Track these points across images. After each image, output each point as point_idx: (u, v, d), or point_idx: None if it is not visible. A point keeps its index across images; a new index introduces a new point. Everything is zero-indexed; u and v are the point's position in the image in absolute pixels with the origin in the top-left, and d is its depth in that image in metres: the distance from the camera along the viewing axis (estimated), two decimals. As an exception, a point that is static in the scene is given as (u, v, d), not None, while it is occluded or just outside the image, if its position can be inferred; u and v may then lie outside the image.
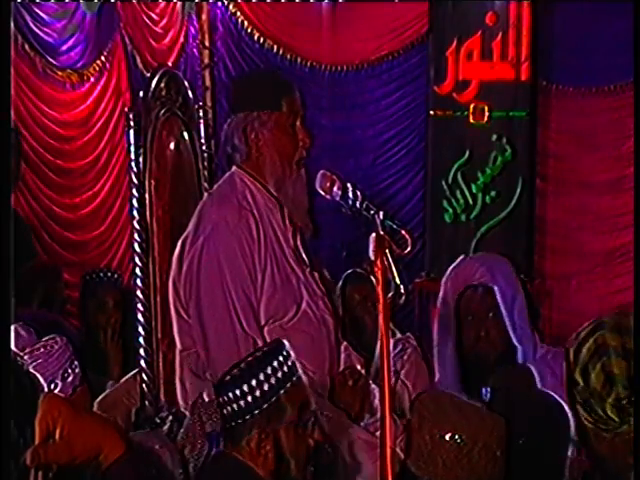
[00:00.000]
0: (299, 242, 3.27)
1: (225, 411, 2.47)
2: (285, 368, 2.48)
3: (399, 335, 4.06)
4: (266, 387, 2.45)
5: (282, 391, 2.45)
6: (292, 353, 2.54)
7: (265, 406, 2.44)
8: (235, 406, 2.44)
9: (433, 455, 2.21)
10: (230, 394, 2.44)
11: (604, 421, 2.05)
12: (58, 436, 1.67)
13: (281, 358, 2.48)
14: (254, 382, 2.44)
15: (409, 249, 3.07)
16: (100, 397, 3.59)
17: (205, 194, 3.47)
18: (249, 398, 2.44)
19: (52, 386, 2.71)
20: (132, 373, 3.66)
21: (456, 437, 2.18)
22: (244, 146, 3.22)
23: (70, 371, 2.80)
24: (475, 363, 3.17)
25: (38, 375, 2.58)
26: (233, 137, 3.24)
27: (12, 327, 2.74)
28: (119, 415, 3.43)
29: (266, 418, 2.43)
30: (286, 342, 2.57)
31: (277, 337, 2.93)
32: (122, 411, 3.49)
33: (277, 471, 2.45)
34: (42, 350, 2.76)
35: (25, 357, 2.69)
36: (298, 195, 3.25)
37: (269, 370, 2.46)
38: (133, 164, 3.38)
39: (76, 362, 2.83)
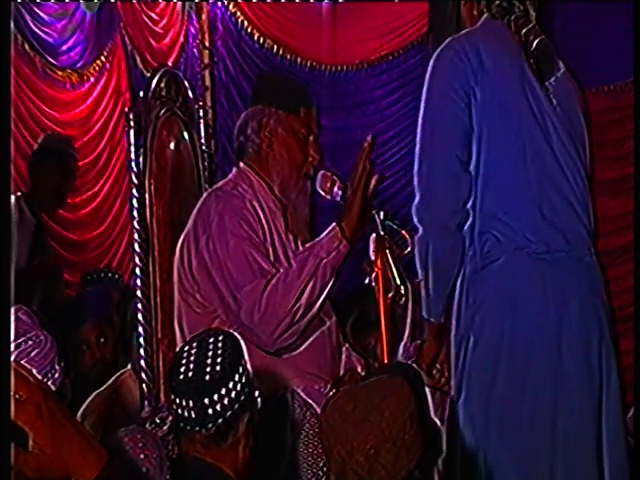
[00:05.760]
0: (300, 245, 3.26)
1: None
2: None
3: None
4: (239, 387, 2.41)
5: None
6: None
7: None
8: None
9: (374, 469, 2.12)
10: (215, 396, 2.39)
11: None
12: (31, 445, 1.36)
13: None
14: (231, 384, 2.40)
15: (409, 249, 3.07)
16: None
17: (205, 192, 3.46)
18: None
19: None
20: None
21: (389, 439, 2.10)
22: (257, 138, 3.21)
23: (57, 367, 2.77)
24: None
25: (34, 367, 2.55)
26: (247, 127, 3.22)
27: (11, 318, 2.71)
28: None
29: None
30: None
31: None
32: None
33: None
34: (30, 343, 2.72)
35: (15, 352, 2.63)
36: (300, 204, 3.23)
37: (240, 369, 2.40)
38: (133, 164, 3.38)
39: (61, 358, 2.80)
